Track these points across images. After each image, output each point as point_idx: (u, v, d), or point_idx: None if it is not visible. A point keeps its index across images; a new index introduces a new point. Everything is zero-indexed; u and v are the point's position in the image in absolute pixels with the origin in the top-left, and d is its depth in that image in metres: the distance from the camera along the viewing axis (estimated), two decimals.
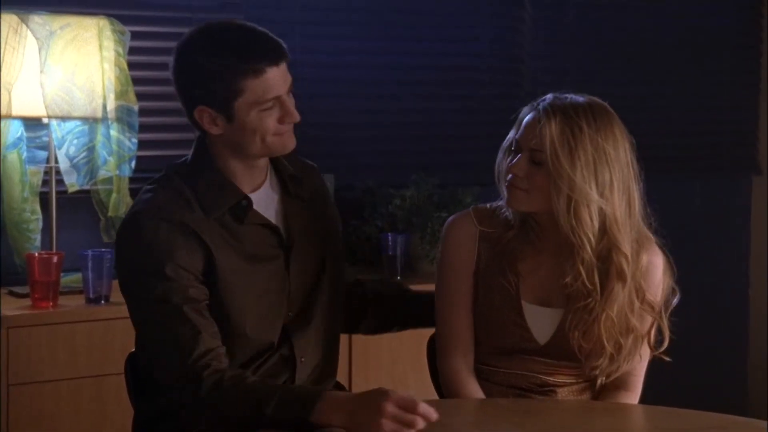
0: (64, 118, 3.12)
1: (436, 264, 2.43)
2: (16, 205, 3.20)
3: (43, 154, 3.22)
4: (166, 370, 2.12)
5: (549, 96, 2.25)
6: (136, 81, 3.25)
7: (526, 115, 2.25)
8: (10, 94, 3.05)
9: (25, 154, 3.19)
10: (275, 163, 2.28)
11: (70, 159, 3.19)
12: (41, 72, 3.04)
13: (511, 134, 2.28)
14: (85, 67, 3.08)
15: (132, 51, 3.25)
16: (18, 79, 3.05)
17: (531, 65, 4.15)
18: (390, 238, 3.51)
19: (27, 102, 3.06)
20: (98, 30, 3.12)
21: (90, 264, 3.01)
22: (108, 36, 3.14)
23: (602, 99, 2.27)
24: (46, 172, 3.21)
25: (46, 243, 3.19)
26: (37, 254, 3.00)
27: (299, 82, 3.66)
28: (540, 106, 2.22)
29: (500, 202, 2.32)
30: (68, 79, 3.07)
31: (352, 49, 3.87)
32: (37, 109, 3.06)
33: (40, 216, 3.22)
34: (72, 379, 2.96)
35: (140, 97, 3.26)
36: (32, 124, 3.18)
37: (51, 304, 2.97)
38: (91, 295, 3.03)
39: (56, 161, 3.19)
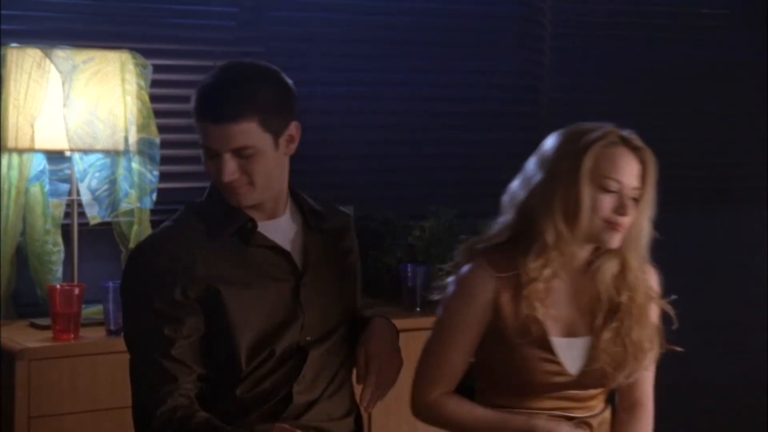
0: (86, 151, 3.15)
1: (441, 300, 2.41)
2: (39, 237, 3.22)
3: (65, 186, 3.24)
4: (134, 399, 2.21)
5: (625, 131, 2.29)
6: (157, 114, 3.27)
7: (588, 146, 2.25)
8: (33, 127, 3.08)
9: (47, 187, 3.22)
10: (295, 197, 2.32)
11: (92, 191, 3.21)
12: (64, 105, 3.07)
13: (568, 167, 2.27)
14: (107, 101, 3.11)
15: (154, 84, 3.28)
16: (41, 112, 3.08)
17: (549, 96, 4.16)
18: (410, 269, 3.51)
19: (50, 135, 3.09)
20: (120, 64, 3.15)
21: (111, 296, 3.02)
22: (130, 69, 3.17)
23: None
24: (68, 205, 3.23)
25: (67, 275, 3.21)
26: (58, 286, 3.01)
27: (318, 113, 3.73)
28: (633, 145, 2.27)
29: (494, 235, 2.36)
30: (91, 113, 3.10)
31: (372, 80, 3.89)
32: (60, 143, 3.09)
33: (62, 248, 3.25)
34: (93, 411, 2.96)
35: (162, 129, 3.28)
36: (55, 157, 3.20)
37: (72, 336, 2.98)
38: (112, 327, 3.03)
39: (78, 194, 3.21)
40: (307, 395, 2.24)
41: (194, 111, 2.18)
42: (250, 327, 2.19)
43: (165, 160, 3.31)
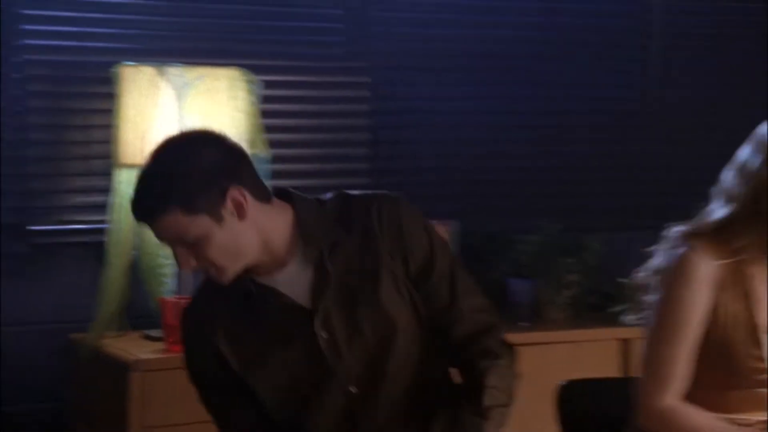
0: None
1: (655, 298, 2.26)
2: (151, 250, 3.29)
3: None
4: None
5: None
6: (267, 129, 3.32)
7: None
8: (147, 143, 3.14)
9: None
10: (304, 237, 2.12)
11: None
12: (176, 122, 3.14)
13: None
14: (218, 117, 3.17)
15: (263, 99, 3.33)
16: (154, 128, 3.14)
17: (654, 107, 4.12)
18: (516, 284, 3.49)
19: None
20: (230, 80, 3.21)
21: None
22: (240, 86, 3.23)
23: None
24: None
25: (178, 287, 3.27)
26: (170, 299, 3.07)
27: (423, 128, 3.74)
28: None
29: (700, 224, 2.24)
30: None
31: (475, 95, 3.89)
32: None
33: (173, 261, 3.30)
34: (205, 422, 3.00)
35: (272, 144, 3.33)
36: None
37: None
38: None
39: None
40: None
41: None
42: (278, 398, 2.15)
43: (276, 175, 3.35)
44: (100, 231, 3.30)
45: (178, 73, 3.15)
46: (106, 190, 3.31)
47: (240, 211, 2.04)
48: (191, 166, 2.02)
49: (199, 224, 2.01)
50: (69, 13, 3.39)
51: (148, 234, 3.21)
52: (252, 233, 2.07)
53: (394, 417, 2.14)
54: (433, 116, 3.78)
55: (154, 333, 3.19)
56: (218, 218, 2.02)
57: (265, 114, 3.34)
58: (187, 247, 2.04)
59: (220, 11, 3.56)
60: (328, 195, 2.20)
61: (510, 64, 3.93)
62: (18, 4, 3.31)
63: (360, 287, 2.11)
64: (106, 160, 3.30)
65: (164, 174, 2.02)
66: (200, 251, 2.03)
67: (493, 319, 2.20)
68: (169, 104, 3.14)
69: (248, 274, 2.10)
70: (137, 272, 3.29)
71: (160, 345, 3.09)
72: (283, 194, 2.16)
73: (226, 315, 2.14)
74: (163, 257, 3.29)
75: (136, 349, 3.06)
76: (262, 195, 2.09)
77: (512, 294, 3.50)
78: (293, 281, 2.11)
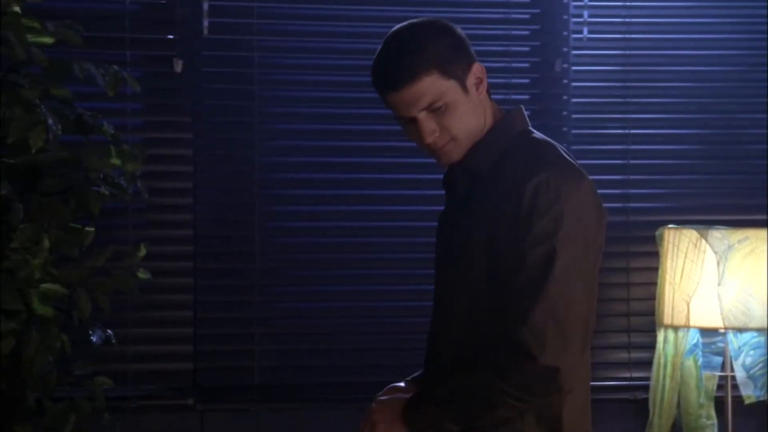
0: (740, 329, 3.16)
1: None
2: (693, 410, 3.26)
3: (718, 359, 3.26)
4: None
5: None
6: None
7: None
8: (688, 305, 3.15)
9: (701, 360, 3.26)
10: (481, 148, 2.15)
11: (746, 370, 3.20)
12: (719, 284, 3.11)
13: None
14: (762, 279, 3.10)
15: None
16: (696, 291, 3.14)
17: None
18: None
19: (704, 313, 3.14)
20: None
21: None
22: None
23: None
24: (722, 378, 3.25)
25: None
26: None
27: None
28: None
29: None
30: (745, 291, 3.11)
31: None
32: (714, 320, 3.13)
33: (715, 421, 3.25)
34: None
35: None
36: (708, 331, 3.24)
37: None
38: None
39: (732, 370, 3.22)
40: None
41: (375, 86, 2.14)
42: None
43: None
44: (640, 388, 3.33)
45: (720, 236, 3.14)
46: (645, 347, 3.37)
47: (480, 87, 2.14)
48: (440, 38, 2.11)
49: (452, 90, 2.09)
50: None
51: (690, 393, 3.24)
52: (480, 113, 2.15)
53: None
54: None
55: None
56: (464, 88, 2.11)
57: None
58: (434, 115, 2.09)
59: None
60: (542, 136, 2.18)
61: None
62: None
63: (485, 219, 2.07)
64: (646, 318, 3.35)
65: (418, 42, 2.09)
66: (445, 120, 2.10)
67: (530, 338, 1.97)
68: (711, 267, 3.13)
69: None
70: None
71: None
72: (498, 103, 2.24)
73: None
74: (704, 417, 3.26)
75: None
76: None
77: None
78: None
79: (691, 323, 3.16)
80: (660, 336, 3.25)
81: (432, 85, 2.08)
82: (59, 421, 2.67)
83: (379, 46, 2.15)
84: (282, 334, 3.39)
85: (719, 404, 3.25)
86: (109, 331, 2.90)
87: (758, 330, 3.15)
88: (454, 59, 2.11)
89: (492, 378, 2.01)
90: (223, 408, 3.34)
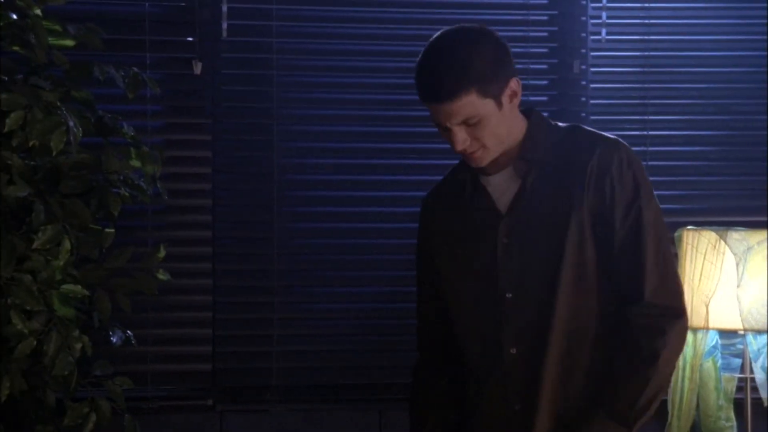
0: (759, 331, 3.15)
1: None
2: (712, 412, 3.25)
3: (737, 361, 3.25)
4: None
5: None
6: None
7: None
8: (707, 306, 3.14)
9: (720, 362, 3.25)
10: (523, 151, 2.35)
11: (766, 371, 3.19)
12: (738, 286, 3.11)
13: None
14: None
15: None
16: (715, 292, 3.14)
17: None
18: None
19: (723, 314, 3.13)
20: None
21: None
22: None
23: None
24: (741, 380, 3.25)
25: None
26: None
27: None
28: None
29: None
30: (765, 293, 3.10)
31: None
32: (733, 322, 3.12)
33: (734, 423, 3.25)
34: None
35: None
36: (727, 332, 3.23)
37: None
38: None
39: (751, 371, 3.21)
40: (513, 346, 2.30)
41: (417, 91, 2.27)
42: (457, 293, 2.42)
43: None
44: None
45: (739, 237, 3.13)
46: None
47: (514, 100, 2.30)
48: (484, 53, 2.24)
49: (486, 108, 2.24)
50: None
51: (709, 395, 3.24)
52: (514, 123, 2.33)
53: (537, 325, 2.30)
54: None
55: None
56: (499, 103, 2.27)
57: None
58: (467, 127, 2.25)
59: None
60: (566, 124, 2.43)
61: None
62: None
63: (551, 212, 2.29)
64: None
65: (463, 57, 2.22)
66: (477, 132, 2.26)
67: (666, 302, 2.28)
68: (730, 268, 3.12)
69: (475, 171, 2.37)
70: None
71: None
72: (524, 107, 2.40)
73: (443, 215, 2.44)
74: (723, 419, 3.25)
75: None
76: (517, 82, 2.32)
77: None
78: (501, 187, 2.35)
79: (710, 325, 3.15)
80: None
81: (470, 104, 2.23)
82: (80, 421, 2.68)
83: (426, 49, 2.27)
84: (300, 335, 3.40)
85: (738, 406, 3.25)
86: (128, 331, 2.92)
87: None
88: (493, 78, 2.25)
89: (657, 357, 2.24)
90: (242, 408, 3.36)
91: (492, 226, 2.35)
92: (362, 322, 3.42)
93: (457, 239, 2.41)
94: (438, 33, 2.31)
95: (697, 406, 3.27)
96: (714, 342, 3.26)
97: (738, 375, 3.25)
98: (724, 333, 3.25)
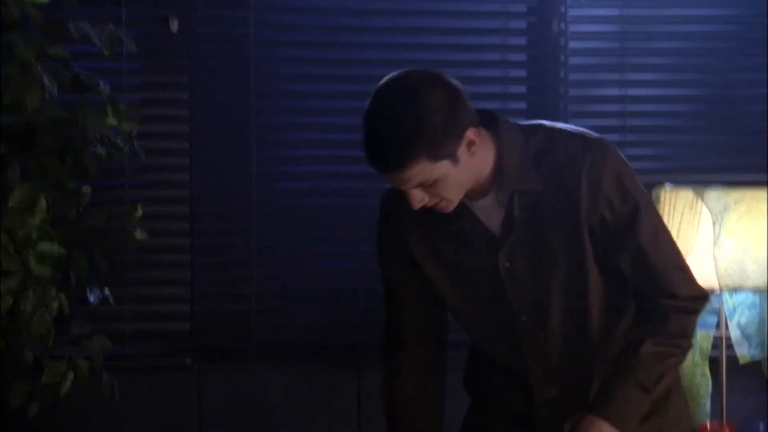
0: (736, 289, 3.16)
1: None
2: (688, 370, 3.27)
3: (712, 319, 3.26)
4: None
5: None
6: None
7: None
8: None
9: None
10: (499, 181, 2.18)
11: (741, 329, 3.21)
12: (714, 245, 3.12)
13: None
14: (757, 240, 3.11)
15: None
16: (692, 251, 3.15)
17: None
18: None
19: (700, 273, 3.13)
20: None
21: None
22: None
23: None
24: (717, 340, 3.26)
25: (715, 411, 3.22)
26: (708, 425, 3.01)
27: None
28: None
29: None
30: (741, 251, 3.12)
31: None
32: (709, 281, 3.13)
33: (709, 381, 3.27)
34: None
35: None
36: None
37: None
38: None
39: (727, 330, 3.23)
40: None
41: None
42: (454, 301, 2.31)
43: None
44: None
45: (717, 196, 3.14)
46: None
47: (472, 149, 2.11)
48: (432, 113, 2.05)
49: (441, 169, 2.08)
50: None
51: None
52: (474, 167, 2.15)
53: (557, 342, 2.25)
54: None
55: None
56: (455, 160, 2.10)
57: None
58: (423, 188, 2.11)
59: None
60: (535, 124, 2.24)
61: None
62: None
63: (547, 230, 2.18)
64: None
65: (408, 126, 2.05)
66: (434, 191, 2.12)
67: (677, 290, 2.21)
68: (706, 227, 3.13)
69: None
70: None
71: None
72: (489, 119, 2.18)
73: (418, 224, 2.25)
74: (700, 377, 3.27)
75: None
76: (477, 125, 2.13)
77: None
78: (487, 212, 2.20)
79: None
80: None
81: (421, 172, 2.08)
82: (57, 380, 2.68)
83: (369, 107, 2.10)
84: (279, 295, 3.40)
85: (713, 364, 3.27)
86: (106, 290, 2.91)
87: (754, 290, 3.16)
88: (445, 140, 2.08)
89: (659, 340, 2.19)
90: (221, 368, 3.36)
91: (489, 250, 2.22)
92: (342, 281, 3.42)
93: (447, 256, 2.27)
94: (381, 84, 2.12)
95: None
96: None
97: (714, 333, 3.27)
98: None
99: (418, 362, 2.36)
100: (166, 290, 3.35)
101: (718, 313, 3.24)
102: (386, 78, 2.13)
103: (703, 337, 3.28)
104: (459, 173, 2.12)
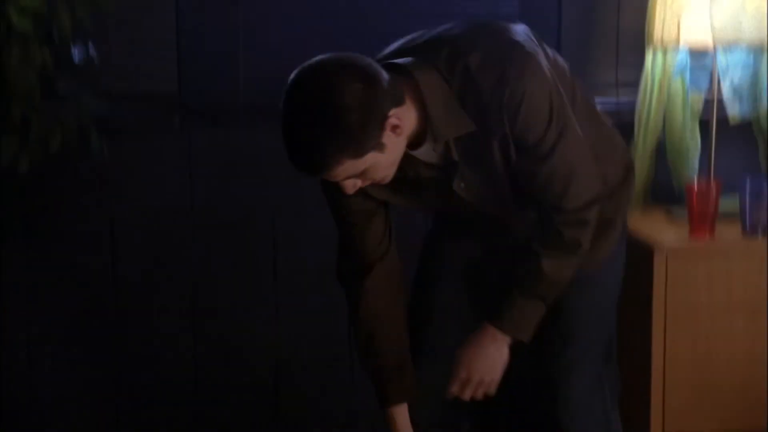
0: (730, 45, 3.11)
1: None
2: (678, 131, 3.27)
3: (705, 80, 3.24)
4: None
5: None
6: None
7: None
8: (679, 22, 3.10)
9: (688, 81, 3.24)
10: (432, 135, 2.17)
11: (734, 88, 3.18)
12: (711, 0, 3.06)
13: None
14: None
15: None
16: (688, 8, 3.09)
17: None
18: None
19: (695, 31, 3.10)
20: None
21: (748, 191, 3.01)
22: None
23: None
24: (709, 100, 3.25)
25: (704, 170, 3.24)
26: (695, 185, 3.01)
27: None
28: None
29: None
30: (738, 5, 3.06)
31: None
32: (704, 38, 3.09)
33: (698, 142, 3.27)
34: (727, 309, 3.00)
35: None
36: (698, 52, 3.20)
37: (708, 235, 3.00)
38: (748, 227, 3.02)
39: (719, 92, 3.20)
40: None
41: None
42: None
43: None
44: (627, 111, 3.32)
45: None
46: (633, 66, 3.35)
47: (397, 131, 2.08)
48: (348, 116, 1.99)
49: (367, 160, 2.06)
50: None
51: (676, 114, 3.24)
52: (403, 137, 2.12)
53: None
54: None
55: (676, 210, 3.21)
56: (381, 148, 2.06)
57: None
58: (354, 177, 2.10)
59: None
60: (448, 56, 2.13)
61: None
62: None
63: (485, 153, 2.20)
64: (636, 36, 3.32)
65: (324, 132, 1.99)
66: (366, 176, 2.10)
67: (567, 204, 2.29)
68: None
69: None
70: (663, 152, 3.30)
71: (682, 228, 3.07)
72: (402, 73, 2.11)
73: None
74: (689, 138, 3.27)
75: (658, 230, 3.09)
76: (399, 101, 2.08)
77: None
78: (429, 155, 2.22)
79: (682, 42, 3.12)
80: (648, 57, 3.22)
81: (349, 167, 2.05)
82: (45, 135, 2.67)
83: (284, 108, 2.04)
84: (268, 55, 3.35)
85: (704, 125, 3.26)
86: (91, 47, 2.86)
87: (749, 44, 3.11)
88: (365, 138, 2.03)
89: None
90: (209, 129, 3.34)
91: (441, 180, 2.28)
92: None
93: (401, 189, 2.30)
94: (293, 82, 2.05)
95: (664, 126, 3.28)
96: (684, 61, 3.23)
97: (705, 96, 3.25)
98: (695, 54, 3.21)
99: (386, 275, 2.40)
100: (152, 51, 3.28)
101: (710, 72, 3.21)
102: (296, 74, 2.06)
103: (694, 98, 3.26)
104: (388, 155, 2.10)
